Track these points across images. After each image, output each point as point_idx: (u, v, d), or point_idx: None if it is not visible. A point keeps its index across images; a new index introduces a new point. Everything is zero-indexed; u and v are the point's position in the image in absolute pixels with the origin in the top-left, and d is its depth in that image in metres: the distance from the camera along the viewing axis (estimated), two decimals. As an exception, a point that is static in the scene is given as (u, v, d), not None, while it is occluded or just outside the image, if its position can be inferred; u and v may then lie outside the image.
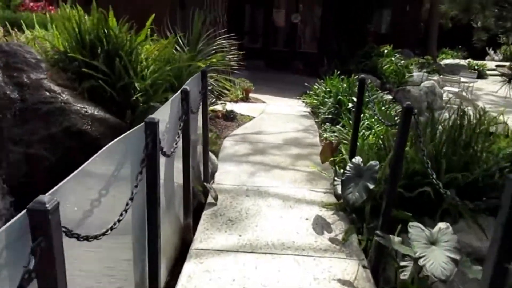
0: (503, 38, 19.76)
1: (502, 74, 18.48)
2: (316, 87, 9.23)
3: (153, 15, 4.85)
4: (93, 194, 1.67)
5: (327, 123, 7.05)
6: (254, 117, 7.66)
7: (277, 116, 7.89)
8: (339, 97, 7.28)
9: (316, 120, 7.61)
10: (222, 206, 3.88)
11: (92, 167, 1.65)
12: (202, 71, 3.91)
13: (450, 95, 13.34)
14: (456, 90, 13.20)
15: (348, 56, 14.24)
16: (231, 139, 6.15)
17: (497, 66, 20.79)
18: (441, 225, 2.57)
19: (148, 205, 2.07)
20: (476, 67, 18.62)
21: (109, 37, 4.15)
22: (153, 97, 4.33)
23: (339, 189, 3.45)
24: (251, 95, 9.49)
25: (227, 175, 4.67)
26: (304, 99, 9.55)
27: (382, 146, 4.50)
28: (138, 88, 4.14)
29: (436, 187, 3.35)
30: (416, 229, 2.53)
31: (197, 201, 3.73)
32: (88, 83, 3.98)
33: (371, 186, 3.05)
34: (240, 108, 8.15)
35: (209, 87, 7.18)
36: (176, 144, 2.59)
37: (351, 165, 3.37)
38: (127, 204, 1.72)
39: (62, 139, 3.41)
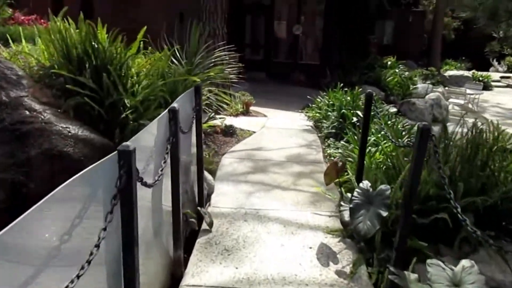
0: (508, 49, 19.48)
1: (507, 86, 18.17)
2: (319, 99, 8.95)
3: (145, 27, 4.57)
4: (51, 240, 1.36)
5: (331, 138, 6.74)
6: (254, 132, 7.36)
7: (279, 130, 7.59)
8: (343, 110, 6.97)
9: (319, 134, 7.30)
10: (218, 233, 3.56)
11: (47, 208, 1.35)
12: (195, 87, 3.62)
13: (456, 107, 13.05)
14: (462, 102, 12.91)
15: (351, 67, 13.99)
16: (230, 156, 5.84)
17: (501, 77, 20.55)
18: (465, 263, 2.24)
19: (124, 248, 1.76)
20: (480, 79, 18.33)
21: (98, 51, 3.87)
22: (144, 114, 4.03)
23: (346, 215, 3.13)
24: (252, 108, 9.21)
25: (224, 197, 4.35)
26: (307, 112, 9.26)
27: (391, 165, 4.18)
28: (128, 105, 3.85)
29: (454, 212, 3.04)
30: (436, 268, 2.21)
31: (190, 228, 3.42)
32: (73, 101, 3.69)
33: (384, 214, 2.73)
34: (240, 122, 7.86)
35: (207, 101, 6.92)
36: (162, 170, 2.29)
37: (359, 190, 3.05)
38: (91, 254, 1.41)
39: (42, 162, 3.12)
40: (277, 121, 8.37)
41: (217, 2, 8.58)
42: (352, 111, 6.94)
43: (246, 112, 8.73)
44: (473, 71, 19.97)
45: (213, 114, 6.99)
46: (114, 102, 3.83)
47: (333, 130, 6.90)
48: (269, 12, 14.39)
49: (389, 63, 13.95)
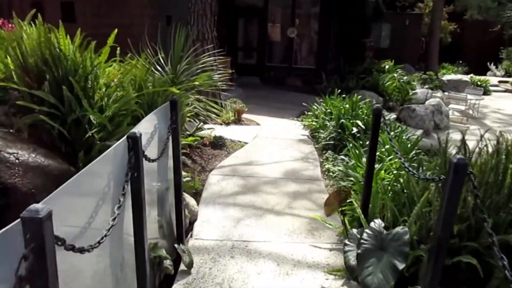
0: (505, 53, 19.08)
1: (506, 90, 17.70)
2: (315, 107, 8.40)
3: (116, 30, 4.01)
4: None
5: (329, 151, 6.19)
6: (246, 143, 6.80)
7: (273, 141, 7.03)
8: (342, 120, 6.43)
9: (316, 146, 6.75)
10: (199, 275, 2.99)
11: None
12: (171, 101, 3.06)
13: (456, 113, 12.56)
14: (463, 108, 12.42)
15: (348, 72, 13.48)
16: (218, 173, 5.27)
17: (500, 81, 20.10)
18: None
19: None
20: (479, 83, 17.88)
21: (59, 60, 3.30)
22: (114, 132, 3.47)
23: (352, 259, 2.59)
24: (244, 115, 8.66)
25: (208, 225, 3.78)
26: (302, 120, 8.72)
27: (400, 188, 3.64)
28: (94, 122, 3.28)
29: (481, 253, 2.50)
30: None
31: (163, 273, 2.84)
32: (29, 118, 3.13)
33: (401, 267, 2.18)
34: (231, 132, 7.30)
35: (194, 111, 6.37)
36: (114, 220, 1.72)
37: (369, 232, 2.50)
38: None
39: (-20, 197, 2.55)
40: (271, 130, 7.81)
41: (205, 4, 8.03)
42: (351, 121, 6.40)
43: (238, 121, 8.17)
44: (471, 75, 19.54)
45: (201, 124, 6.43)
46: (78, 119, 3.26)
47: (331, 142, 6.36)
48: (263, 14, 13.86)
49: (386, 67, 13.45)
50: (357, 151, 5.17)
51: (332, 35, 13.75)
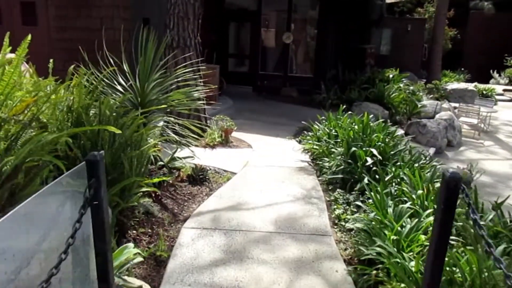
0: (510, 60, 17.91)
1: (511, 99, 16.50)
2: (317, 126, 7.10)
3: (29, 37, 2.67)
4: None
5: (338, 189, 4.88)
6: (234, 174, 5.48)
7: (266, 171, 5.71)
8: (353, 149, 5.11)
9: (320, 178, 5.43)
10: None
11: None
12: (88, 161, 1.73)
13: (466, 127, 11.32)
14: (475, 121, 11.20)
15: (348, 81, 12.22)
16: (194, 225, 3.93)
17: (504, 90, 18.97)
18: None
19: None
20: (484, 92, 16.71)
21: None
22: (17, 196, 2.13)
23: None
24: (234, 134, 7.34)
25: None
26: (301, 140, 7.42)
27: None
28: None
29: None
30: None
31: None
32: None
33: None
34: (216, 158, 5.98)
35: (167, 135, 5.05)
36: None
37: None
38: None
39: None
40: (264, 155, 6.49)
41: (187, 6, 6.71)
42: (364, 148, 5.09)
43: (225, 142, 6.84)
44: (475, 83, 18.39)
45: (179, 150, 5.10)
46: None
47: (340, 175, 5.04)
48: (256, 18, 12.57)
49: (390, 76, 12.20)
50: (378, 196, 3.86)
51: (331, 41, 12.48)
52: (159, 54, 5.21)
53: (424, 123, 9.58)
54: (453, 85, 16.44)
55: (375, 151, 4.97)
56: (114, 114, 3.36)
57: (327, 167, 5.49)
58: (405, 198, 3.85)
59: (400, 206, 3.48)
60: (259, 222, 4.06)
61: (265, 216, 4.19)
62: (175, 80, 5.26)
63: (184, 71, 5.66)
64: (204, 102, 7.10)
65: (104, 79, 4.71)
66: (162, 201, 4.25)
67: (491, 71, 21.09)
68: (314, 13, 12.71)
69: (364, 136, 5.61)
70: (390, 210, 3.58)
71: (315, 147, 6.30)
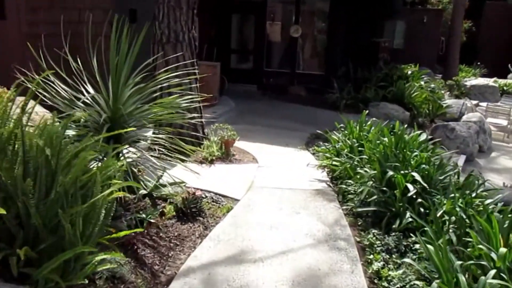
0: None
1: None
2: (335, 137, 5.92)
3: None
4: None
5: (370, 227, 3.71)
6: (236, 201, 4.33)
7: (276, 195, 4.55)
8: (389, 173, 3.92)
9: (344, 207, 4.28)
10: None
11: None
12: None
13: (494, 129, 10.09)
14: (504, 123, 9.98)
15: (362, 79, 11.00)
16: (180, 291, 2.80)
17: (525, 85, 17.64)
18: None
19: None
20: (505, 88, 15.43)
21: None
22: None
23: None
24: (236, 143, 6.18)
25: None
26: (315, 151, 6.27)
27: None
28: None
29: None
30: None
31: None
32: None
33: None
34: (214, 178, 4.84)
35: (152, 152, 3.90)
36: None
37: None
38: None
39: None
40: (272, 172, 5.33)
41: (180, -8, 5.55)
42: (403, 172, 3.91)
43: (226, 156, 5.68)
44: (495, 78, 17.10)
45: (162, 174, 3.94)
46: None
47: (373, 208, 3.88)
48: (261, 10, 11.34)
49: (409, 72, 10.95)
50: (440, 253, 2.70)
51: (342, 35, 11.24)
52: (129, 54, 4.04)
53: (453, 127, 8.38)
54: (472, 81, 15.17)
55: (418, 176, 3.80)
56: (58, 143, 2.21)
57: (353, 191, 4.33)
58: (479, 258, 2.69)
59: (482, 280, 2.31)
60: (271, 284, 2.91)
61: (278, 273, 3.05)
62: (165, 84, 4.10)
63: (176, 73, 4.50)
64: (201, 107, 5.96)
65: (66, 88, 3.58)
66: (138, 253, 3.11)
67: (509, 65, 19.71)
68: (324, 4, 11.45)
69: (397, 151, 4.44)
70: (462, 278, 2.42)
71: (334, 163, 5.13)
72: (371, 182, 4.00)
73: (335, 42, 10.97)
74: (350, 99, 9.75)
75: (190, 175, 4.06)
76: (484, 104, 11.36)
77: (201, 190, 4.34)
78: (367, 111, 9.46)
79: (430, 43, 15.40)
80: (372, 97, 9.77)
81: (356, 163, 4.74)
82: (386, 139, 4.76)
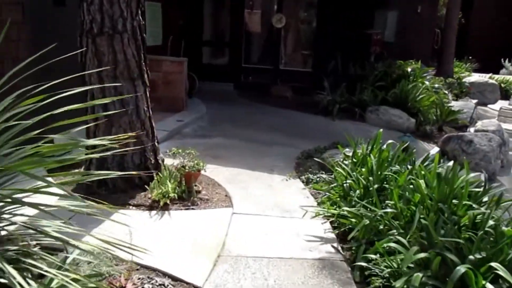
0: None
1: None
2: (340, 163, 4.26)
3: None
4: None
5: None
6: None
7: (260, 276, 2.88)
8: (460, 271, 2.27)
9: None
10: None
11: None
12: None
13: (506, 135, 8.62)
14: (521, 129, 8.55)
15: (356, 77, 9.39)
16: None
17: (521, 81, 16.40)
18: None
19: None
20: (502, 85, 14.13)
21: None
22: None
23: None
24: (203, 174, 4.46)
25: None
26: (309, 181, 4.63)
27: None
28: None
29: None
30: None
31: None
32: None
33: None
34: (162, 242, 3.11)
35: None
36: None
37: None
38: None
39: None
40: (254, 226, 3.63)
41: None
42: (475, 259, 2.29)
43: (188, 195, 3.95)
44: (490, 74, 15.79)
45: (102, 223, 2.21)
46: None
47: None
48: (238, -4, 9.57)
49: (409, 70, 9.38)
50: None
51: (332, 25, 9.56)
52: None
53: (470, 139, 6.85)
54: (471, 78, 13.79)
55: (502, 272, 2.17)
56: None
57: (380, 274, 2.70)
58: None
59: None
60: None
61: None
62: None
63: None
64: (152, 124, 4.22)
65: None
66: None
67: (502, 59, 18.50)
68: (311, -11, 9.77)
69: (450, 203, 2.82)
70: None
71: (344, 213, 3.47)
72: (421, 274, 2.34)
73: (324, 34, 9.30)
74: (344, 102, 8.13)
75: (125, 235, 2.33)
76: (494, 106, 9.94)
77: (140, 267, 2.67)
78: (363, 117, 7.98)
79: (424, 36, 13.89)
80: (370, 100, 8.18)
81: (378, 217, 3.11)
82: (422, 182, 3.12)
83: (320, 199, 4.01)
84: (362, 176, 3.64)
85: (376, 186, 3.44)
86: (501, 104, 13.05)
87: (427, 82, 8.62)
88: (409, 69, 9.37)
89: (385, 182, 3.53)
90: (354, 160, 4.13)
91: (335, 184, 3.83)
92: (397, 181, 3.24)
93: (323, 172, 4.76)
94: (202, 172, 4.35)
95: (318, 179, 4.65)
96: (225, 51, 10.14)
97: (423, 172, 3.27)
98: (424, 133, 7.55)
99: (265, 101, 8.74)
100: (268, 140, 6.32)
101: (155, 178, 3.94)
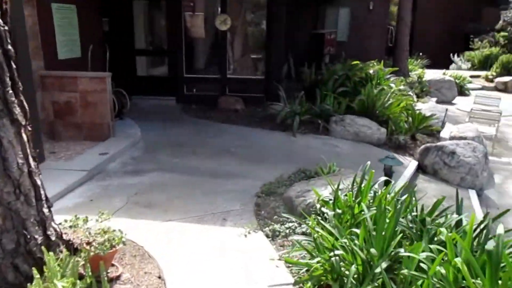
0: (477, 42, 14.89)
1: (483, 87, 13.54)
2: (318, 211, 3.01)
3: None
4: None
5: None
6: None
7: None
8: None
9: None
10: None
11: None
12: None
13: (487, 142, 7.82)
14: (493, 132, 7.77)
15: (315, 82, 8.30)
16: None
17: (471, 76, 16.12)
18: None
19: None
20: (457, 82, 13.65)
21: None
22: None
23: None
24: (132, 232, 3.07)
25: None
26: (277, 231, 3.38)
27: None
28: None
29: None
30: None
31: None
32: None
33: None
34: None
35: None
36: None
37: None
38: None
39: None
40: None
41: None
42: None
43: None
44: (444, 70, 15.40)
45: None
46: None
47: None
48: (174, -4, 8.14)
49: (371, 71, 8.38)
50: None
51: (283, 26, 8.37)
52: None
53: (452, 150, 5.89)
54: (428, 76, 13.17)
55: None
56: None
57: None
58: None
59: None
60: None
61: None
62: None
63: None
64: (34, 181, 2.76)
65: None
66: None
67: (451, 55, 18.27)
68: (258, -14, 8.54)
69: None
70: None
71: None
72: None
73: (275, 36, 8.09)
74: (305, 113, 6.96)
75: None
76: (462, 107, 9.19)
77: None
78: (327, 129, 6.87)
79: (377, 34, 13.10)
80: (334, 108, 7.06)
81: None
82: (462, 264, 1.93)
83: (298, 275, 2.74)
84: (357, 245, 2.41)
85: (384, 264, 2.21)
86: (459, 101, 12.56)
87: (393, 85, 7.64)
88: (371, 71, 8.37)
89: (395, 252, 2.32)
90: (338, 210, 2.90)
91: (317, 260, 2.55)
92: (428, 270, 2.02)
93: (294, 220, 3.51)
94: (128, 236, 2.97)
95: (288, 231, 3.39)
96: (164, 60, 8.69)
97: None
98: (398, 145, 6.54)
99: (213, 117, 7.39)
100: (219, 170, 4.99)
101: (44, 269, 2.51)
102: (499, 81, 15.04)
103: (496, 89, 14.98)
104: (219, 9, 8.32)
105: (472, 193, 5.51)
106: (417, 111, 7.08)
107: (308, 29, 11.47)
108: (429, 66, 16.55)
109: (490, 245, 1.94)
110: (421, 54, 17.49)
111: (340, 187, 3.26)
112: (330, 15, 12.96)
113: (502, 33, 17.84)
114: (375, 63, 8.73)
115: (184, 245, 3.25)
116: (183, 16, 8.21)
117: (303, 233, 3.26)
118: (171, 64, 8.32)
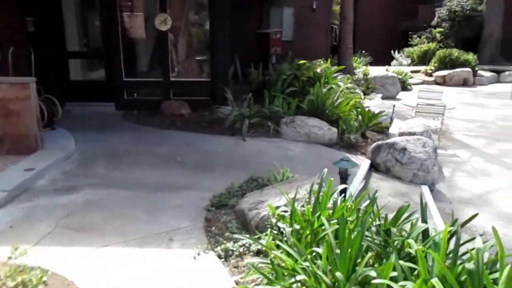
0: (415, 38, 15.39)
1: (423, 82, 14.02)
2: (273, 226, 2.69)
3: None
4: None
5: None
6: None
7: None
8: None
9: None
10: None
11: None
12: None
13: (434, 136, 7.92)
14: (438, 125, 7.89)
15: (263, 84, 8.03)
16: None
17: (412, 72, 16.65)
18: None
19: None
20: (400, 77, 13.99)
21: None
22: None
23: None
24: (63, 261, 2.59)
25: None
26: (230, 250, 3.01)
27: None
28: None
29: None
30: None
31: None
32: None
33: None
34: None
35: None
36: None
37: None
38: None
39: None
40: None
41: None
42: None
43: None
44: (387, 67, 15.74)
45: None
46: None
47: None
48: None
49: (318, 70, 8.24)
50: None
51: (228, 26, 8.01)
52: None
53: (403, 146, 5.82)
54: (371, 73, 13.34)
55: None
56: None
57: None
58: None
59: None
60: None
61: None
62: None
63: None
64: None
65: None
66: None
67: (392, 51, 18.80)
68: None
69: None
70: None
71: None
72: None
73: (220, 37, 7.71)
74: (254, 115, 6.65)
75: None
76: (407, 101, 9.30)
77: None
78: (277, 131, 6.61)
79: (322, 33, 13.11)
80: (283, 110, 6.82)
81: None
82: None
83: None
84: (320, 267, 2.11)
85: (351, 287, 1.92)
86: (403, 96, 12.86)
87: (341, 83, 7.53)
88: (318, 70, 8.23)
89: (363, 275, 2.04)
90: (296, 225, 2.59)
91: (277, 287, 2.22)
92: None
93: (247, 234, 3.17)
94: (56, 269, 2.49)
95: (242, 249, 3.05)
96: (101, 63, 8.03)
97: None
98: (349, 144, 6.40)
99: (156, 123, 6.89)
100: (164, 183, 4.55)
101: None
102: (438, 75, 15.65)
103: (435, 82, 15.59)
104: (158, 7, 7.80)
105: (425, 189, 5.46)
106: (366, 109, 7.00)
107: (254, 30, 11.22)
108: (372, 63, 16.86)
109: (470, 265, 1.71)
110: (364, 51, 17.80)
111: (297, 196, 2.97)
112: (275, 15, 12.80)
113: (438, 29, 18.60)
114: (322, 62, 8.59)
115: (121, 277, 2.80)
116: (120, 15, 7.61)
117: (259, 252, 2.93)
118: (109, 67, 7.70)
